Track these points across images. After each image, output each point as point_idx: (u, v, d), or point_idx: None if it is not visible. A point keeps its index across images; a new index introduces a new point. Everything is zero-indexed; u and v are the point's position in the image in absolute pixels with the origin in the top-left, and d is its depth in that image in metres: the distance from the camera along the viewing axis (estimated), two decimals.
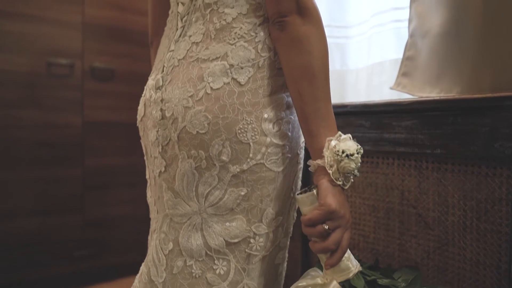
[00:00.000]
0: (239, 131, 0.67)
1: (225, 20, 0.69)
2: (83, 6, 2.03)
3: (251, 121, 0.67)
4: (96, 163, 2.10)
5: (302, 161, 0.77)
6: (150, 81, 0.77)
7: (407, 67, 0.96)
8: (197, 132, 0.67)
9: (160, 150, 0.71)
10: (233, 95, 0.67)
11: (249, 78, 0.68)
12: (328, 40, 1.20)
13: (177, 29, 0.76)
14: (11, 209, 1.87)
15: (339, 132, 0.64)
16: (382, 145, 0.92)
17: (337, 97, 1.14)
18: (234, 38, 0.69)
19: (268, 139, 0.68)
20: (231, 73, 0.67)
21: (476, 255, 0.81)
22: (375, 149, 0.94)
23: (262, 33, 0.69)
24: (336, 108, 1.00)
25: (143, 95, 0.80)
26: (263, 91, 0.69)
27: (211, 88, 0.67)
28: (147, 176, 0.83)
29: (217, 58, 0.68)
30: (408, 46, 0.97)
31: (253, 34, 0.69)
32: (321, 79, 0.64)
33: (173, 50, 0.74)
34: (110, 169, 2.15)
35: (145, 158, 0.82)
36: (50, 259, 1.98)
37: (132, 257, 2.20)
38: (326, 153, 0.62)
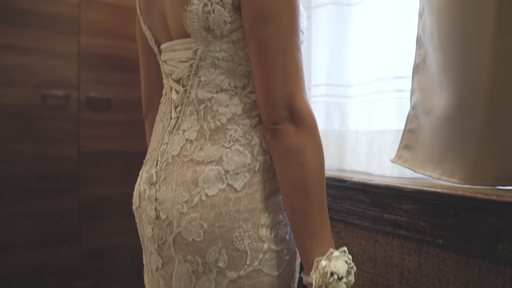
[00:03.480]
0: (236, 239, 0.65)
1: (219, 120, 0.67)
2: (79, 35, 1.99)
3: (248, 229, 0.66)
4: (92, 193, 2.08)
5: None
6: (144, 174, 0.76)
7: (409, 140, 0.94)
8: (193, 239, 0.66)
9: (156, 248, 0.71)
10: (229, 202, 0.65)
11: (245, 183, 0.66)
12: (327, 99, 1.18)
13: (171, 118, 0.74)
14: (8, 243, 1.85)
15: (331, 249, 0.61)
16: (382, 224, 0.90)
17: (335, 159, 1.12)
18: (229, 141, 0.67)
19: (266, 246, 0.67)
20: (226, 179, 0.66)
21: None
22: (375, 227, 0.92)
23: (257, 136, 0.67)
24: (335, 182, 0.98)
25: (137, 183, 0.79)
26: (259, 195, 0.67)
27: (206, 194, 0.66)
28: (144, 261, 0.81)
29: (212, 161, 0.66)
30: (410, 118, 0.94)
31: (248, 137, 0.67)
32: (314, 193, 0.61)
33: (167, 143, 0.73)
34: (106, 199, 2.12)
35: (141, 244, 0.81)
36: None
37: (130, 286, 2.18)
38: (314, 275, 0.60)
